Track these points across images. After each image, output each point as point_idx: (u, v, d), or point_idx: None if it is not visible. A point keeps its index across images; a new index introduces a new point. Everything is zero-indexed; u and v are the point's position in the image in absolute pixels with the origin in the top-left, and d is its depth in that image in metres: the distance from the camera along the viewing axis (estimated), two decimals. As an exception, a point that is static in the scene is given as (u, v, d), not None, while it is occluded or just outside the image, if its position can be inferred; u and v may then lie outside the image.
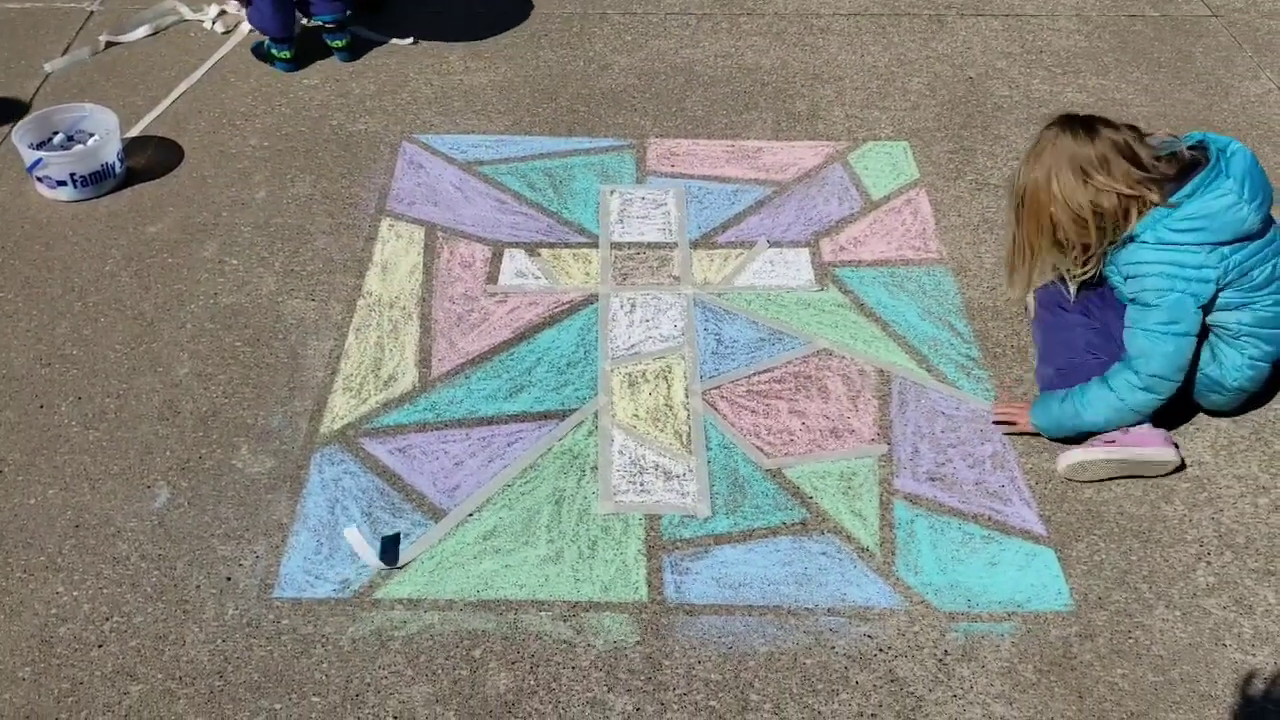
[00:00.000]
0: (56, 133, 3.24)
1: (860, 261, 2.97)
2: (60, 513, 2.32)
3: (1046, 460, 2.45)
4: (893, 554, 2.26)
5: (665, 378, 2.63)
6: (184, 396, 2.57)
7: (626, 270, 2.93)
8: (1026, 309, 2.74)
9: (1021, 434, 2.49)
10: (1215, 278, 2.29)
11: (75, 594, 2.17)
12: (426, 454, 2.44)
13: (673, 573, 2.21)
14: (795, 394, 2.59)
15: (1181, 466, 2.42)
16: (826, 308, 2.83)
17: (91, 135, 3.23)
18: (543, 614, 2.14)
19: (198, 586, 2.18)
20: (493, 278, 2.90)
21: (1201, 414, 2.55)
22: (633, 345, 2.72)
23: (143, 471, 2.40)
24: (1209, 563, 2.26)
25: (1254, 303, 2.34)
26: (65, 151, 3.12)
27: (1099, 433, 2.40)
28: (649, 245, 3.02)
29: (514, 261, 2.96)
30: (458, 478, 2.40)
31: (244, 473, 2.40)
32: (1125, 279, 2.36)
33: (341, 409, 2.54)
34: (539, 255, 2.97)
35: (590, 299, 2.85)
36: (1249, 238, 2.30)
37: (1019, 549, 2.27)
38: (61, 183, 3.10)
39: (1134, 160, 2.33)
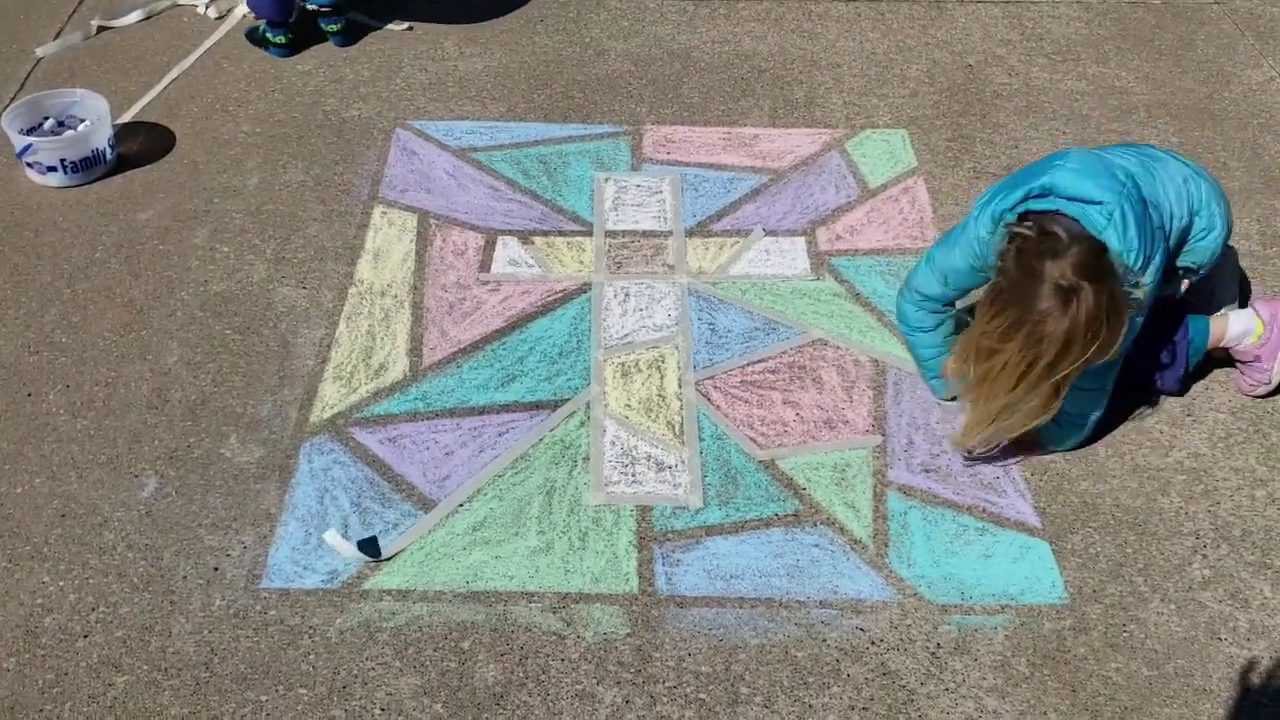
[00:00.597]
0: (47, 118, 3.21)
1: (857, 250, 2.94)
2: (47, 502, 2.30)
3: (1042, 452, 2.43)
4: (886, 546, 2.24)
5: (658, 368, 2.61)
6: (173, 385, 2.55)
7: (621, 259, 2.91)
8: None
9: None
10: (1165, 237, 2.24)
11: (61, 584, 2.15)
12: (417, 444, 2.42)
13: (664, 564, 2.20)
14: (789, 384, 2.57)
15: None
16: (822, 297, 2.80)
17: (82, 121, 3.21)
18: (532, 605, 2.13)
19: (185, 577, 2.17)
20: (485, 266, 2.88)
21: (1198, 405, 2.53)
22: (626, 335, 2.69)
23: (130, 460, 2.38)
24: (1205, 556, 2.24)
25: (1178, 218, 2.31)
26: (55, 137, 3.09)
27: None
28: (644, 233, 2.99)
29: (507, 249, 2.93)
30: (448, 468, 2.38)
31: (233, 462, 2.38)
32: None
33: (332, 398, 2.52)
34: (532, 243, 2.94)
35: (584, 288, 2.82)
36: (1139, 195, 2.19)
37: (1013, 541, 2.25)
38: (51, 168, 3.07)
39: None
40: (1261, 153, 3.31)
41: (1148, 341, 2.40)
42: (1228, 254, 2.52)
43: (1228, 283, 2.67)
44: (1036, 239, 2.10)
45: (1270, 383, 2.49)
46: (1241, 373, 2.54)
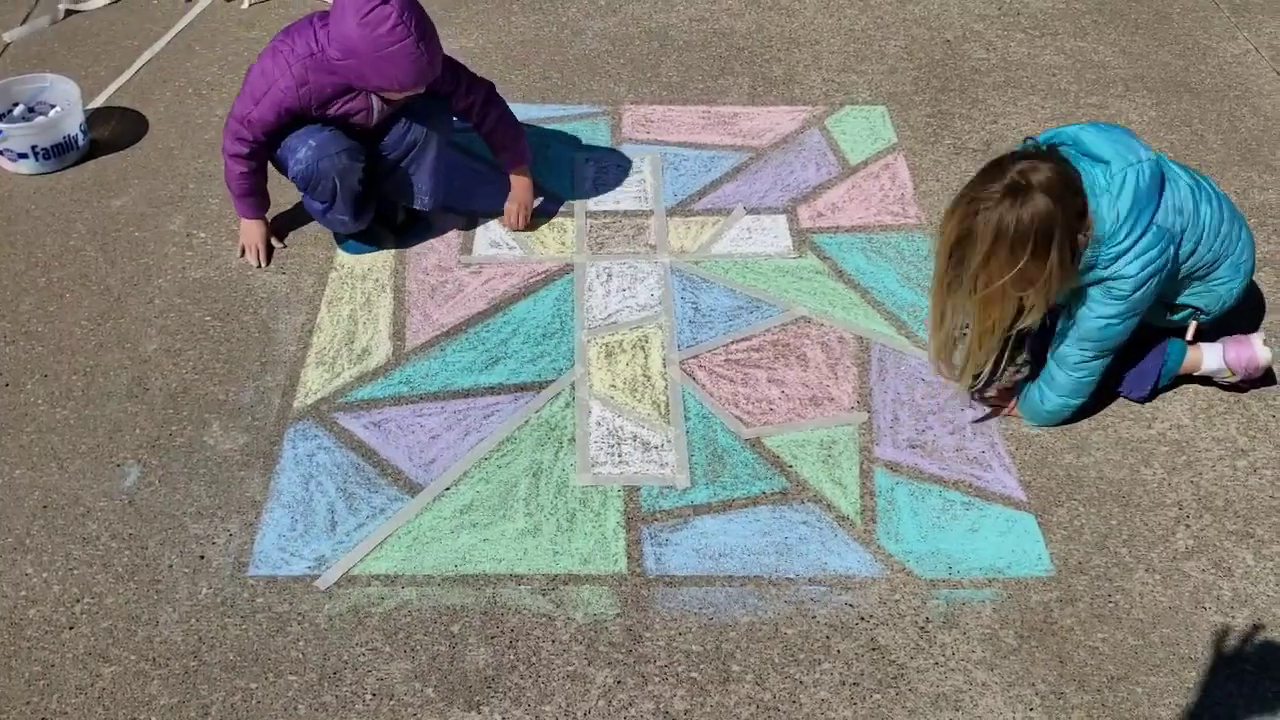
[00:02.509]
0: (17, 104, 3.16)
1: (838, 227, 2.94)
2: (28, 493, 2.27)
3: (1026, 425, 2.44)
4: (873, 522, 2.25)
5: (643, 348, 2.60)
6: (153, 373, 2.52)
7: (602, 239, 2.90)
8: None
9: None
10: (1173, 244, 2.22)
11: (45, 575, 2.13)
12: (402, 428, 2.41)
13: (652, 544, 2.20)
14: (774, 362, 2.57)
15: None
16: (805, 275, 2.80)
17: (53, 107, 3.16)
18: (522, 588, 2.12)
19: (170, 566, 2.15)
20: (467, 248, 2.86)
21: (1180, 378, 2.54)
22: (609, 315, 2.68)
23: (112, 450, 2.36)
24: (1188, 526, 2.26)
25: (1199, 225, 2.28)
26: (26, 123, 3.04)
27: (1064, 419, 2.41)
28: (625, 213, 2.98)
29: (488, 232, 2.91)
30: (434, 451, 2.37)
31: (216, 450, 2.36)
32: (1093, 285, 2.23)
33: (314, 383, 2.50)
34: (513, 225, 2.93)
35: (566, 269, 2.81)
36: (1159, 179, 2.20)
37: (999, 515, 2.26)
38: (23, 155, 3.03)
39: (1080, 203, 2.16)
40: (1239, 124, 3.33)
41: (1129, 348, 2.41)
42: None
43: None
44: (1025, 151, 2.16)
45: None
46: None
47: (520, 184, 2.88)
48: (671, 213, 2.98)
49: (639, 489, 2.30)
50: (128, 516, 2.23)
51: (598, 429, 2.41)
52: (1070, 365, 2.32)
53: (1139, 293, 2.20)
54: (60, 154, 3.07)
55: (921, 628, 2.07)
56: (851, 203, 3.02)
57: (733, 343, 2.62)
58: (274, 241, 2.83)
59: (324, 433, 2.40)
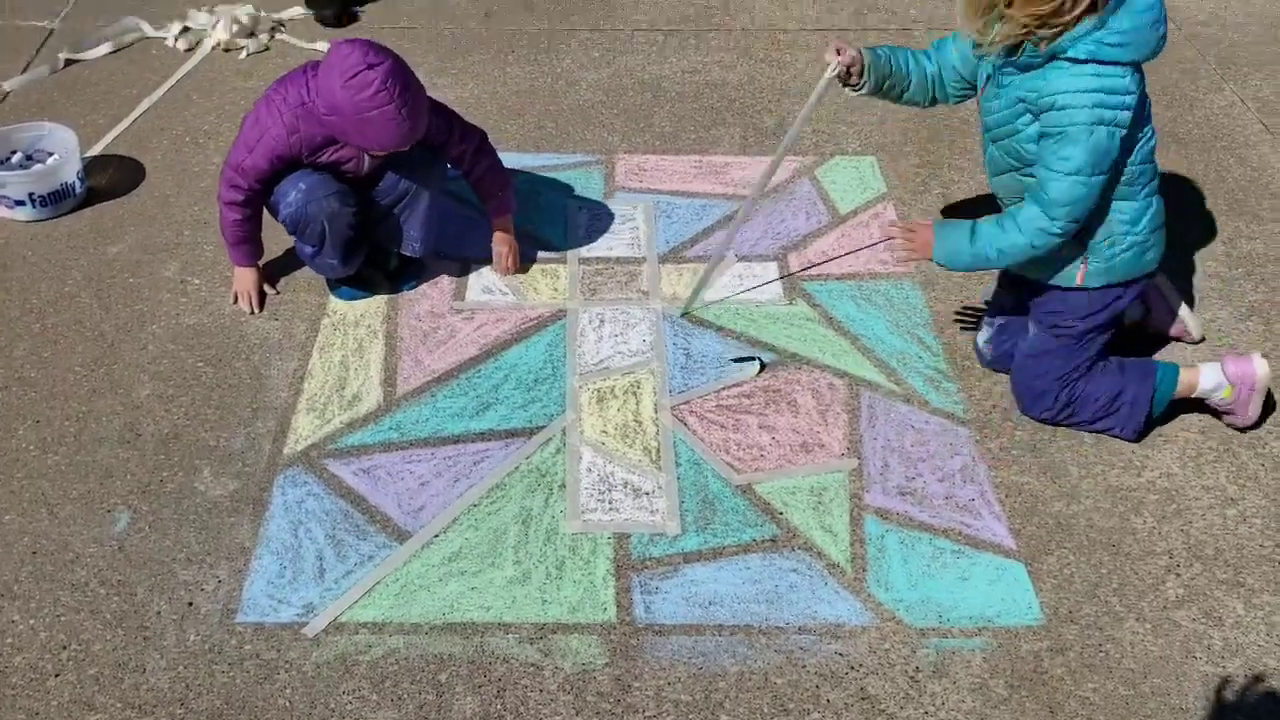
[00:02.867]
0: (15, 151, 3.19)
1: (828, 275, 2.96)
2: (17, 539, 2.27)
3: (1016, 474, 2.44)
4: (864, 570, 2.24)
5: (634, 393, 2.61)
6: (145, 418, 2.53)
7: (595, 285, 2.92)
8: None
9: (913, 258, 2.54)
10: (1134, 105, 2.19)
11: (32, 622, 2.12)
12: (392, 474, 2.41)
13: (642, 592, 2.19)
14: (765, 408, 2.58)
15: None
16: (795, 321, 2.82)
17: (51, 154, 3.19)
18: (510, 636, 2.11)
19: (158, 612, 2.14)
20: (459, 294, 2.88)
21: (1169, 425, 2.56)
22: (601, 360, 2.70)
23: (102, 495, 2.36)
24: (1178, 575, 2.25)
25: (1146, 135, 2.29)
26: (24, 171, 3.07)
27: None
28: (617, 260, 3.00)
29: (481, 278, 2.93)
30: (423, 498, 2.37)
31: (206, 495, 2.36)
32: (1043, 111, 2.21)
33: (305, 429, 2.51)
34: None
35: (558, 314, 2.83)
36: (1146, 61, 2.21)
37: (989, 563, 2.26)
38: (20, 202, 3.05)
39: None
40: (1226, 175, 3.36)
41: (1108, 380, 2.44)
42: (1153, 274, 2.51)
43: (1168, 294, 2.73)
44: None
45: (1247, 423, 2.53)
46: (1218, 413, 2.57)
47: (500, 233, 2.92)
48: (664, 260, 3.00)
49: (629, 536, 2.30)
50: (117, 562, 2.23)
51: (588, 475, 2.42)
52: (1032, 230, 2.27)
53: (1092, 139, 2.16)
54: (57, 201, 3.09)
55: (911, 677, 2.06)
56: (841, 251, 3.04)
57: (724, 389, 2.63)
58: (267, 288, 2.85)
59: (314, 479, 2.40)
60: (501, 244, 2.91)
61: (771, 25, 4.09)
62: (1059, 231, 2.28)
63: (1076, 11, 2.12)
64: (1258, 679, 2.07)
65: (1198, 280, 2.97)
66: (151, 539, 2.27)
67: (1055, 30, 2.14)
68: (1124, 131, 2.19)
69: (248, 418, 2.53)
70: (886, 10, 4.18)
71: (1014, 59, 2.24)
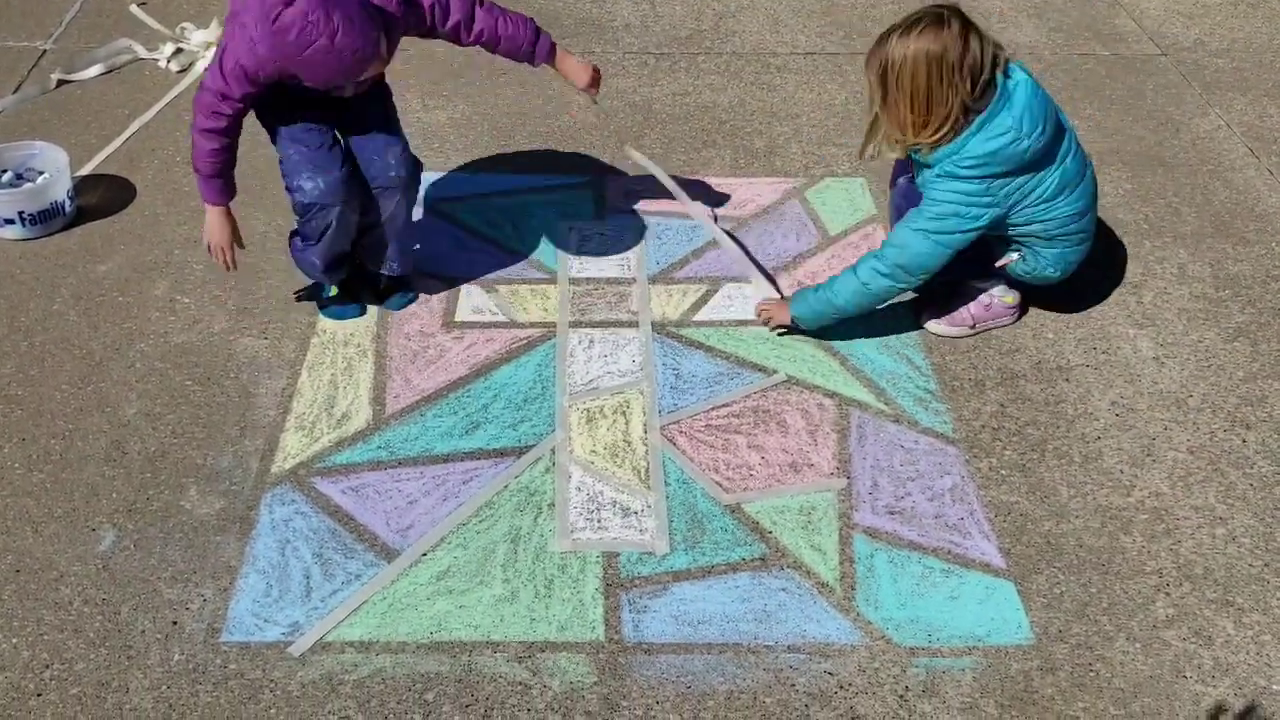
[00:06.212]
0: (5, 170, 3.19)
1: (818, 296, 2.96)
2: (0, 557, 2.25)
3: (1005, 493, 2.44)
4: (853, 589, 2.24)
5: (624, 413, 2.61)
6: (132, 437, 2.52)
7: (585, 306, 2.92)
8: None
9: (784, 330, 2.81)
10: (994, 209, 2.54)
11: (14, 641, 2.10)
12: (380, 493, 2.40)
13: (631, 611, 2.18)
14: (754, 428, 2.58)
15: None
16: (785, 341, 2.82)
17: (41, 173, 3.19)
18: (498, 655, 2.10)
19: (143, 631, 2.12)
20: (449, 314, 2.88)
21: (1158, 445, 2.56)
22: (591, 380, 2.69)
23: (88, 514, 2.34)
24: (1168, 594, 2.25)
25: (1052, 211, 2.59)
26: (14, 189, 3.07)
27: (847, 317, 2.71)
28: (607, 281, 3.00)
29: (471, 298, 2.93)
30: (411, 517, 2.35)
31: (192, 514, 2.35)
32: (922, 186, 2.61)
33: (293, 448, 2.50)
34: (496, 291, 2.95)
35: (548, 335, 2.82)
36: (1034, 165, 2.52)
37: (979, 582, 2.26)
38: (10, 221, 3.05)
39: (973, 84, 2.46)
40: (1212, 198, 3.39)
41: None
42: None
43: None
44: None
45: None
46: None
47: (565, 68, 2.78)
48: (654, 280, 3.01)
49: (618, 555, 2.29)
50: (101, 581, 2.21)
51: (577, 494, 2.41)
52: (865, 269, 2.62)
53: (945, 222, 2.53)
54: (47, 220, 3.09)
55: (901, 696, 2.05)
56: (831, 272, 3.04)
57: (713, 409, 2.62)
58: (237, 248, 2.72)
59: (301, 497, 2.39)
60: (577, 74, 2.77)
61: (761, 49, 4.12)
62: (886, 272, 2.60)
63: (933, 139, 2.49)
64: (1247, 698, 2.07)
65: (1185, 302, 2.98)
66: (136, 557, 2.26)
67: (931, 144, 2.51)
68: (979, 225, 2.56)
69: (235, 436, 2.52)
70: (875, 35, 4.20)
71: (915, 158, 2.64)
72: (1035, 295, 2.93)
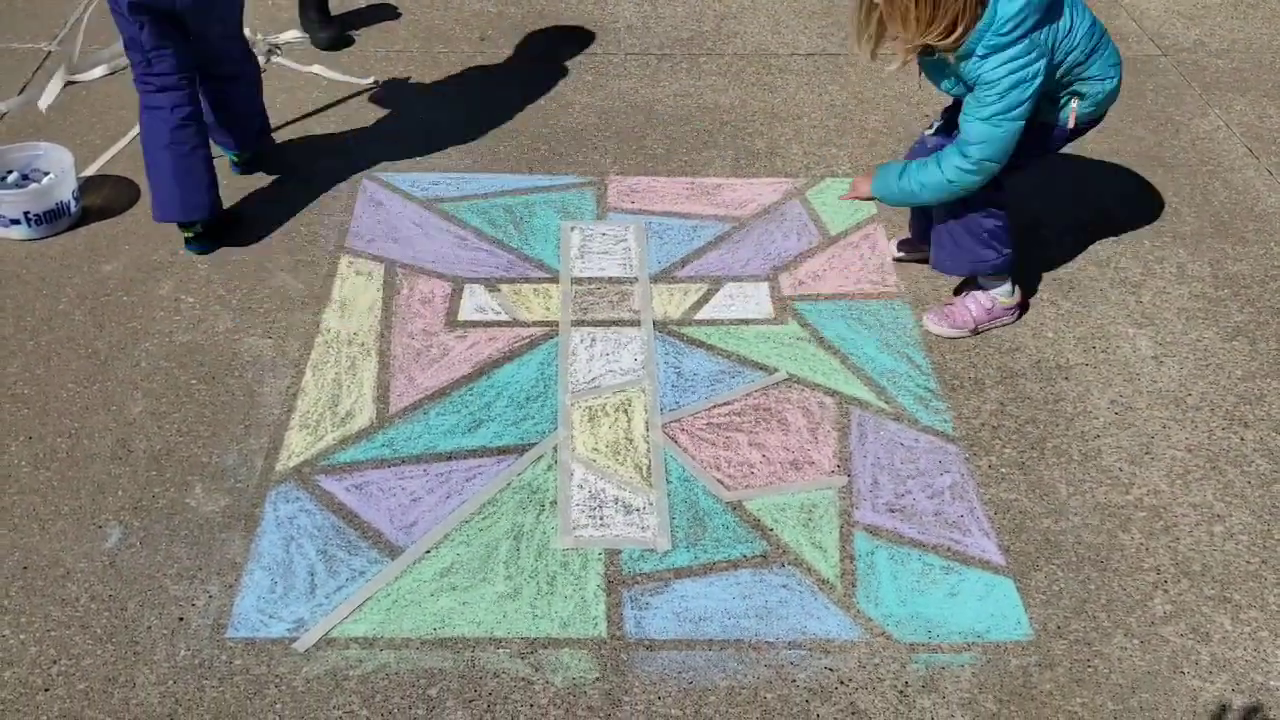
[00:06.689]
0: (10, 171, 3.21)
1: (819, 295, 2.98)
2: (8, 554, 2.27)
3: (1004, 491, 2.46)
4: (853, 586, 2.25)
5: (625, 411, 2.62)
6: (137, 435, 2.54)
7: (587, 305, 2.94)
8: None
9: (862, 198, 2.94)
10: (1043, 59, 2.48)
11: (22, 637, 2.12)
12: (384, 491, 2.42)
13: (632, 608, 2.20)
14: (755, 426, 2.59)
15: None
16: (786, 340, 2.84)
17: (46, 174, 3.21)
18: (500, 651, 2.12)
19: (149, 627, 2.14)
20: (452, 313, 2.90)
21: (1157, 443, 2.58)
22: (593, 379, 2.71)
23: (94, 511, 2.36)
24: (1166, 591, 2.27)
25: (1077, 34, 2.54)
26: (19, 190, 3.09)
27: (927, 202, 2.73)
28: (609, 280, 3.02)
29: (474, 297, 2.95)
30: (415, 514, 2.37)
31: (198, 511, 2.37)
32: (970, 85, 2.53)
33: (298, 446, 2.52)
34: (499, 291, 2.97)
35: (550, 333, 2.84)
36: (1054, 6, 2.49)
37: (978, 579, 2.27)
38: (15, 221, 3.07)
39: None
40: (1211, 198, 3.40)
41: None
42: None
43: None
44: None
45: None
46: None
47: None
48: (655, 280, 3.02)
49: (620, 552, 2.31)
50: (108, 578, 2.23)
51: (579, 492, 2.43)
52: (949, 167, 2.60)
53: (1009, 96, 2.48)
54: (52, 220, 3.11)
55: (901, 692, 2.07)
56: (832, 271, 3.07)
57: (714, 407, 2.64)
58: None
59: (306, 495, 2.40)
60: None
61: (763, 50, 4.14)
62: (972, 169, 2.57)
63: (960, 28, 2.42)
64: (1244, 693, 2.08)
65: (1184, 301, 3.00)
66: (142, 554, 2.28)
67: (954, 41, 2.44)
68: (1039, 81, 2.49)
69: (240, 434, 2.54)
70: (876, 36, 4.22)
71: (930, 58, 2.58)
72: (1035, 295, 2.95)
